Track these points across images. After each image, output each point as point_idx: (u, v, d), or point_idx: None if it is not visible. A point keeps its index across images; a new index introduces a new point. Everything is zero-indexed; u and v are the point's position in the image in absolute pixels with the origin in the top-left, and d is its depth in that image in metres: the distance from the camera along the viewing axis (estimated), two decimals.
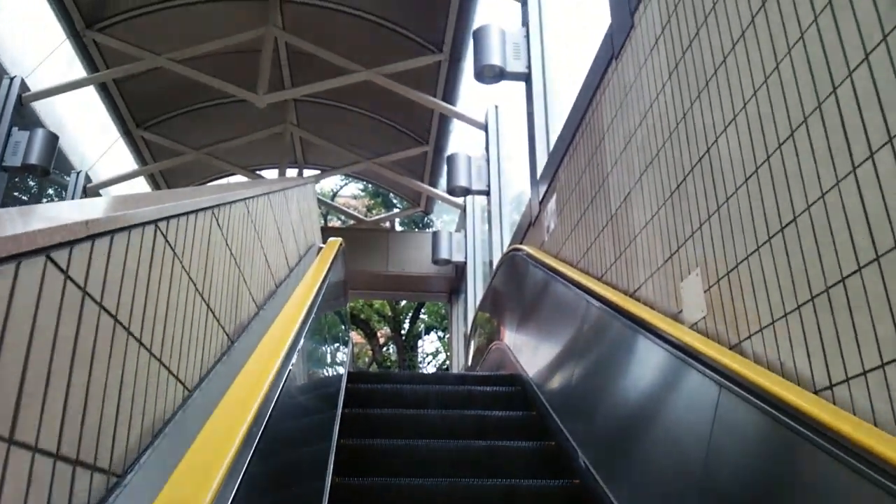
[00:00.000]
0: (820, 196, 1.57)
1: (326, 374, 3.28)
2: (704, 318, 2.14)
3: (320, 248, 4.11)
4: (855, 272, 1.43)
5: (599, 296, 2.80)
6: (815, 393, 1.51)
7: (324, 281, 2.83)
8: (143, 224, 1.36)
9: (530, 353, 4.03)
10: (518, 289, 4.67)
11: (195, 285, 1.71)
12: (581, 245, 3.55)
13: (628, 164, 2.93)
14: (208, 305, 1.82)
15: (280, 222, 2.89)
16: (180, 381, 1.59)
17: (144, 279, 1.39)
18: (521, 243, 5.01)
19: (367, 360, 20.75)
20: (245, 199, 2.10)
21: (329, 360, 3.86)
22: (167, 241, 1.50)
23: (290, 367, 1.79)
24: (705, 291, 2.14)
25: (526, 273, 4.41)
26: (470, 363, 6.92)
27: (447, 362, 19.65)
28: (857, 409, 1.39)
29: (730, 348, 1.94)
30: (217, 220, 1.85)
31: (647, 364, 2.33)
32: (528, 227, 4.90)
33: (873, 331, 1.36)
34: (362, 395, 3.67)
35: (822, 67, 1.59)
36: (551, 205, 4.27)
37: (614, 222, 3.07)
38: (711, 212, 2.12)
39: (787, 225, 1.71)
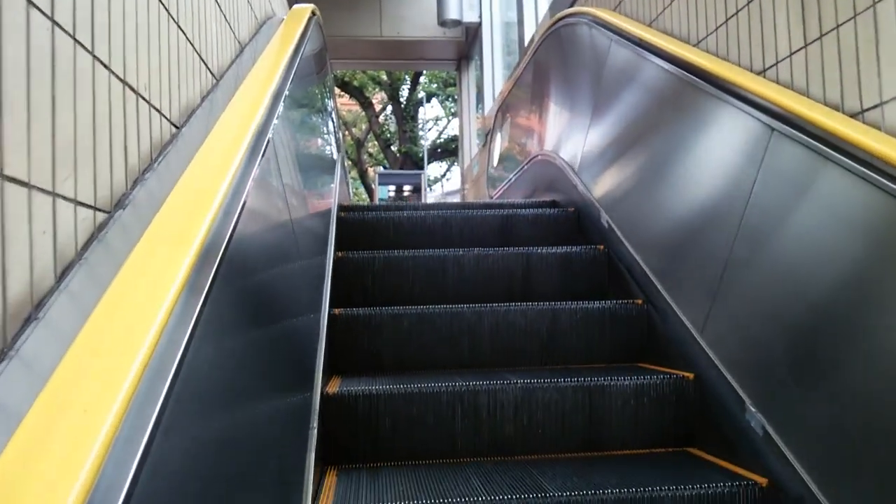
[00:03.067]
0: None
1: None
2: None
3: (283, 21, 2.71)
4: None
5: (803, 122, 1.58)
6: None
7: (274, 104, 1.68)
8: None
9: (608, 179, 2.88)
10: (582, 74, 3.34)
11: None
12: (710, 11, 2.21)
13: None
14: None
15: None
16: (165, 117, 1.40)
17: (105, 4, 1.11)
18: (575, 2, 3.57)
19: (363, 128, 19.51)
20: None
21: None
22: None
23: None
24: None
25: (601, 52, 3.05)
26: (494, 169, 5.74)
27: (448, 130, 18.44)
28: None
29: None
30: None
31: None
32: None
33: None
34: None
35: None
36: None
37: None
38: None
39: None
